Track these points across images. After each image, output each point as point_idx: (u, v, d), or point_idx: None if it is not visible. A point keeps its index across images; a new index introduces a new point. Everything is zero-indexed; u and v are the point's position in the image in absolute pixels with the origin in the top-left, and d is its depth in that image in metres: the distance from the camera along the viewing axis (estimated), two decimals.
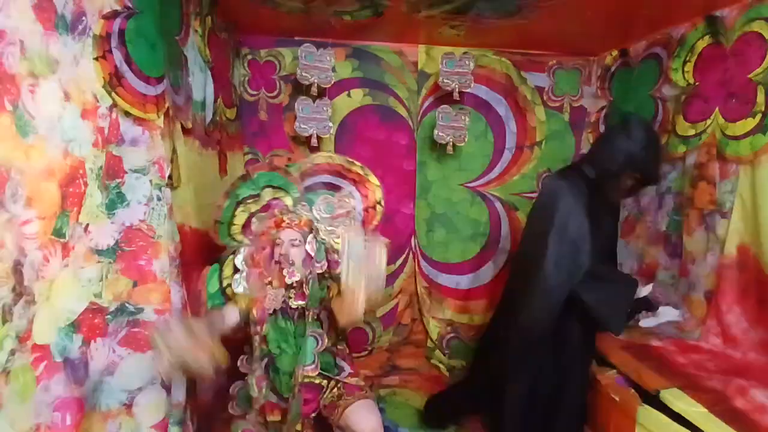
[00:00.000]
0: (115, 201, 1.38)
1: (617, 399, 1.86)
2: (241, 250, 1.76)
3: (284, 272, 1.64)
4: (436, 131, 2.77)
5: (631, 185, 1.89)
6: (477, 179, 3.01)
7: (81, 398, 1.27)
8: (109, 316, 1.38)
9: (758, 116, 1.88)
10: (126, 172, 1.41)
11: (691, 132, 2.22)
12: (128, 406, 1.44)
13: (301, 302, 1.69)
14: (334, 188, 1.89)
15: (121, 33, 1.34)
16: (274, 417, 1.73)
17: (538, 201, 2.05)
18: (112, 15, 1.31)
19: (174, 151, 1.59)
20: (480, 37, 2.61)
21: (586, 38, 2.60)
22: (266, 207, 1.80)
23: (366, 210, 1.92)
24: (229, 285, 1.78)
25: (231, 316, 1.68)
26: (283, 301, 1.69)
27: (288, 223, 1.66)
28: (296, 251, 1.65)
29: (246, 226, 1.79)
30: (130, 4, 1.37)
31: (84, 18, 1.21)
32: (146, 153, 1.45)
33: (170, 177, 1.52)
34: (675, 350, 1.99)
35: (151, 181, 1.47)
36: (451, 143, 2.78)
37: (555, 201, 1.84)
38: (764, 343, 1.86)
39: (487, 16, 2.26)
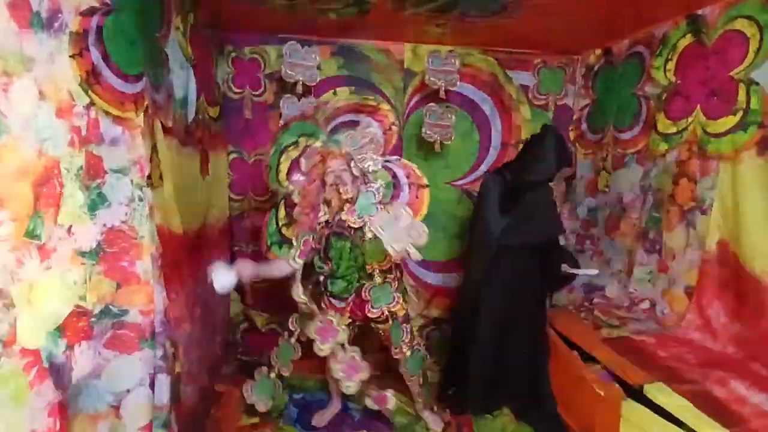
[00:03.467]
0: (97, 202, 1.35)
1: (602, 394, 1.88)
2: (290, 189, 2.13)
3: (341, 190, 1.95)
4: (423, 129, 2.77)
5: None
6: (463, 177, 3.01)
7: (64, 402, 1.25)
8: (93, 319, 1.36)
9: (739, 114, 1.91)
10: (107, 172, 1.38)
11: (673, 129, 2.25)
12: (116, 408, 1.43)
13: (351, 218, 1.99)
14: (354, 125, 2.19)
15: (99, 30, 1.31)
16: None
17: None
18: (90, 12, 1.28)
19: (154, 150, 1.57)
20: (466, 36, 2.61)
21: (570, 37, 2.62)
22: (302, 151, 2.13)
23: (384, 133, 2.25)
24: (284, 224, 2.21)
25: (283, 267, 2.02)
26: (338, 223, 2.00)
27: (333, 155, 1.97)
28: (346, 175, 1.96)
29: (289, 172, 2.15)
30: (108, 1, 1.34)
31: (60, 15, 1.18)
32: (126, 153, 1.43)
33: (149, 177, 1.50)
34: (656, 344, 2.02)
35: (131, 181, 1.44)
36: (438, 141, 2.79)
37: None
38: (743, 336, 1.89)
39: (472, 15, 2.26)
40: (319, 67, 2.61)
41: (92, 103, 1.29)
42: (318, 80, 2.62)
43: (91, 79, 1.27)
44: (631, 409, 1.75)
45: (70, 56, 1.21)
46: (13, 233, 1.07)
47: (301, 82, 2.57)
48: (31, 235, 1.12)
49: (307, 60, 2.57)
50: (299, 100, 2.62)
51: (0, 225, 1.04)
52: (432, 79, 2.71)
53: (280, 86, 2.73)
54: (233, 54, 2.72)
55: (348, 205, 1.99)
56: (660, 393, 1.67)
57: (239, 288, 2.93)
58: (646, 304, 2.36)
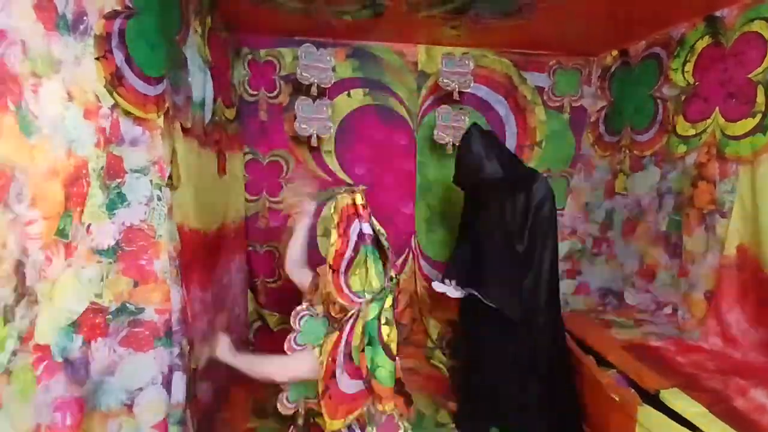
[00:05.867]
0: (116, 201, 1.37)
1: (617, 399, 1.86)
2: None
3: None
4: (435, 131, 2.77)
5: None
6: None
7: (81, 398, 1.27)
8: (109, 316, 1.37)
9: (758, 116, 1.89)
10: (126, 172, 1.40)
11: (691, 132, 2.22)
12: (129, 406, 1.44)
13: None
14: None
15: (122, 33, 1.33)
16: None
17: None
18: (113, 15, 1.31)
19: (173, 151, 1.59)
20: (480, 37, 2.61)
21: (586, 38, 2.60)
22: None
23: None
24: None
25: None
26: None
27: None
28: None
29: None
30: (130, 4, 1.36)
31: (85, 18, 1.21)
32: (146, 153, 1.45)
33: (170, 177, 1.52)
34: (675, 350, 2.00)
35: (151, 181, 1.46)
36: (450, 143, 2.79)
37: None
38: (764, 343, 1.86)
39: (487, 16, 2.26)
40: (333, 69, 2.62)
41: (116, 105, 1.31)
42: (332, 82, 2.64)
43: (115, 81, 1.30)
44: (647, 414, 1.73)
45: (95, 59, 1.23)
46: (45, 232, 1.09)
47: (315, 84, 2.59)
48: (61, 233, 1.14)
49: (322, 62, 2.59)
50: (314, 102, 2.64)
51: (33, 224, 1.06)
52: (445, 80, 2.72)
53: (295, 88, 2.75)
54: (249, 56, 2.74)
55: None
56: (676, 399, 1.65)
57: (253, 287, 2.96)
58: (668, 309, 2.33)
